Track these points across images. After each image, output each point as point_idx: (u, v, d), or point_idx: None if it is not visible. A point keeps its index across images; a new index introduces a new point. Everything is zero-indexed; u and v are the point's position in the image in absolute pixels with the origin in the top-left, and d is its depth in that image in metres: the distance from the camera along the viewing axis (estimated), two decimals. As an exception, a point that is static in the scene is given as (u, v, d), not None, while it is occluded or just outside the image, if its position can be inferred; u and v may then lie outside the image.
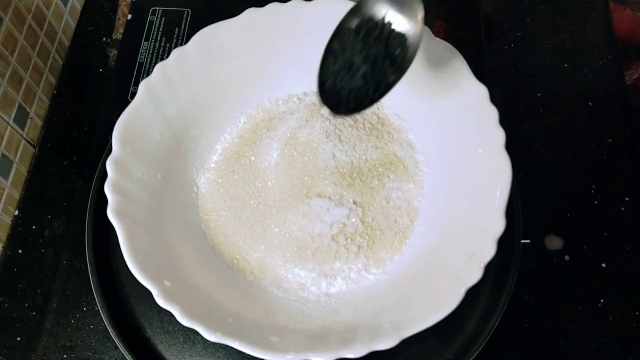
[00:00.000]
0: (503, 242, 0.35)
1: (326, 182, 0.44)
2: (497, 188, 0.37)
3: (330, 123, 0.47)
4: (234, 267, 0.43)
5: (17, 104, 0.53)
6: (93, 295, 0.43)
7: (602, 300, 0.47)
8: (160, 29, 0.61)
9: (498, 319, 0.40)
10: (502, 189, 0.37)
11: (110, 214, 0.37)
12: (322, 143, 0.46)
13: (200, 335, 0.33)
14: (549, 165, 0.53)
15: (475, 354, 0.39)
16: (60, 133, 0.57)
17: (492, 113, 0.39)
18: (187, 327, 0.34)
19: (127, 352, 0.40)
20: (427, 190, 0.45)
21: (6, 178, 0.51)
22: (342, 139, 0.46)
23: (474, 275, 0.34)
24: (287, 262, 0.43)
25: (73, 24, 0.63)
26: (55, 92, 0.59)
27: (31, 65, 0.55)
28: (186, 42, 0.44)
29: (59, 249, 0.50)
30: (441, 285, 0.36)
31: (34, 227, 0.52)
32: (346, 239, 0.43)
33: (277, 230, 0.44)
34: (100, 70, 0.60)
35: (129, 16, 0.63)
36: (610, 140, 0.54)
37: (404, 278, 0.41)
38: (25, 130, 0.54)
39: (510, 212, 0.37)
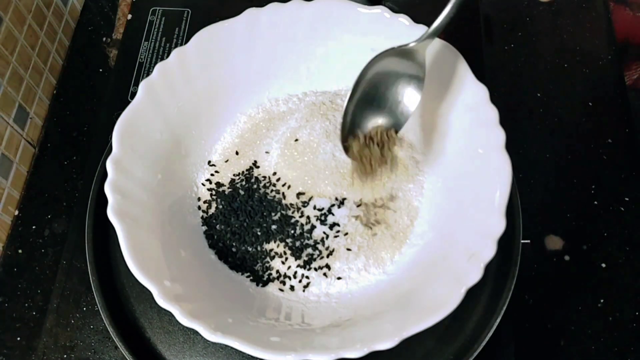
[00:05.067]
0: (503, 242, 0.35)
1: (326, 182, 0.44)
2: (497, 188, 0.37)
3: (330, 123, 0.47)
4: (234, 266, 0.43)
5: (17, 104, 0.53)
6: (93, 295, 0.43)
7: (602, 300, 0.47)
8: (160, 29, 0.61)
9: (498, 319, 0.40)
10: (502, 189, 0.37)
11: (110, 214, 0.37)
12: (322, 143, 0.46)
13: (200, 335, 0.33)
14: (549, 165, 0.53)
15: (475, 354, 0.39)
16: (60, 133, 0.57)
17: (492, 113, 0.39)
18: (187, 327, 0.34)
19: (127, 352, 0.40)
20: (427, 190, 0.45)
21: (6, 178, 0.51)
22: (342, 139, 0.46)
23: (474, 275, 0.34)
24: (287, 261, 0.43)
25: (73, 24, 0.63)
26: (55, 92, 0.59)
27: (31, 65, 0.55)
28: (186, 42, 0.44)
29: (59, 249, 0.50)
30: (441, 285, 0.36)
31: (34, 227, 0.52)
32: (346, 239, 0.43)
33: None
34: (100, 70, 0.60)
35: (129, 16, 0.63)
36: (610, 140, 0.54)
37: (404, 278, 0.41)
38: (25, 130, 0.54)
39: (510, 212, 0.37)
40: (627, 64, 0.60)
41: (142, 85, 0.42)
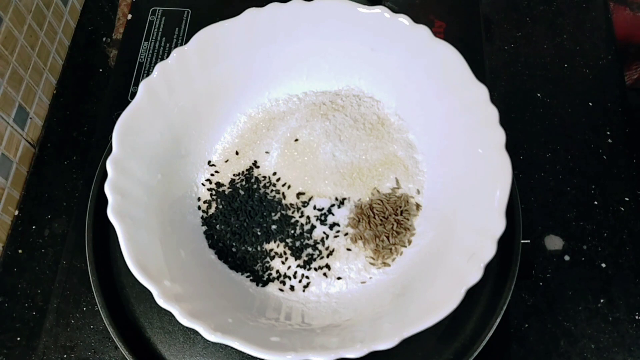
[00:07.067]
0: (503, 242, 0.35)
1: (326, 182, 0.44)
2: (497, 188, 0.37)
3: (330, 123, 0.47)
4: (234, 266, 0.43)
5: (17, 104, 0.53)
6: (93, 295, 0.43)
7: (602, 300, 0.47)
8: (160, 29, 0.61)
9: (498, 319, 0.40)
10: (502, 189, 0.37)
11: (110, 214, 0.37)
12: (322, 143, 0.46)
13: (200, 335, 0.33)
14: (549, 165, 0.53)
15: (475, 354, 0.39)
16: (60, 133, 0.57)
17: (492, 113, 0.39)
18: (187, 327, 0.34)
19: (127, 352, 0.40)
20: (427, 191, 0.45)
21: (6, 178, 0.51)
22: (342, 139, 0.46)
23: (474, 275, 0.34)
24: (287, 261, 0.43)
25: (73, 24, 0.63)
26: (55, 92, 0.59)
27: (31, 65, 0.55)
28: (186, 42, 0.44)
29: (59, 249, 0.50)
30: (441, 285, 0.36)
31: (34, 227, 0.52)
32: (346, 239, 0.43)
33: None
34: (100, 70, 0.60)
35: (129, 16, 0.63)
36: (610, 140, 0.54)
37: (404, 278, 0.41)
38: (25, 130, 0.54)
39: (510, 212, 0.37)
40: (627, 64, 0.60)
41: (142, 85, 0.42)
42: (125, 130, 0.41)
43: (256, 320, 0.38)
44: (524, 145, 0.54)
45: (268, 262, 0.43)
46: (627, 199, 0.51)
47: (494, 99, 0.40)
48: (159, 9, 0.63)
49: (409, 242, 0.43)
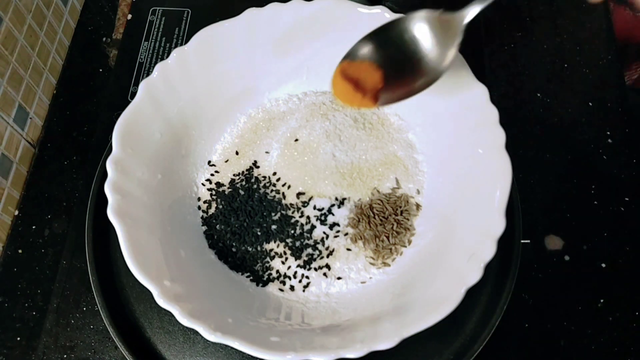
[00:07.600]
0: (503, 242, 0.35)
1: (326, 182, 0.45)
2: (497, 188, 0.37)
3: (330, 123, 0.47)
4: (234, 266, 0.43)
5: (17, 104, 0.53)
6: (93, 295, 0.43)
7: (602, 300, 0.47)
8: (160, 29, 0.61)
9: (498, 319, 0.40)
10: (502, 189, 0.37)
11: (110, 214, 0.37)
12: (322, 143, 0.46)
13: (200, 335, 0.33)
14: (549, 165, 0.53)
15: (475, 354, 0.39)
16: (60, 133, 0.57)
17: (492, 113, 0.39)
18: (187, 327, 0.34)
19: (127, 352, 0.40)
20: (427, 191, 0.45)
21: (6, 178, 0.51)
22: (342, 139, 0.46)
23: (474, 275, 0.34)
24: (287, 261, 0.43)
25: (73, 24, 0.63)
26: (55, 92, 0.59)
27: (31, 65, 0.55)
28: (186, 42, 0.44)
29: (59, 249, 0.50)
30: (441, 285, 0.36)
31: (34, 227, 0.52)
32: (346, 239, 0.43)
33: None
34: (100, 70, 0.60)
35: (129, 16, 0.63)
36: (610, 140, 0.54)
37: (404, 278, 0.41)
38: (25, 130, 0.54)
39: (510, 212, 0.37)
40: (627, 64, 0.60)
41: (142, 85, 0.42)
42: (125, 130, 0.41)
43: (256, 320, 0.38)
44: (524, 146, 0.54)
45: (268, 262, 0.43)
46: (627, 199, 0.51)
47: (494, 99, 0.40)
48: (159, 9, 0.63)
49: (409, 242, 0.43)
